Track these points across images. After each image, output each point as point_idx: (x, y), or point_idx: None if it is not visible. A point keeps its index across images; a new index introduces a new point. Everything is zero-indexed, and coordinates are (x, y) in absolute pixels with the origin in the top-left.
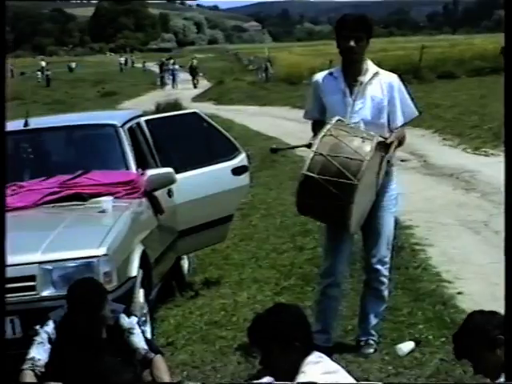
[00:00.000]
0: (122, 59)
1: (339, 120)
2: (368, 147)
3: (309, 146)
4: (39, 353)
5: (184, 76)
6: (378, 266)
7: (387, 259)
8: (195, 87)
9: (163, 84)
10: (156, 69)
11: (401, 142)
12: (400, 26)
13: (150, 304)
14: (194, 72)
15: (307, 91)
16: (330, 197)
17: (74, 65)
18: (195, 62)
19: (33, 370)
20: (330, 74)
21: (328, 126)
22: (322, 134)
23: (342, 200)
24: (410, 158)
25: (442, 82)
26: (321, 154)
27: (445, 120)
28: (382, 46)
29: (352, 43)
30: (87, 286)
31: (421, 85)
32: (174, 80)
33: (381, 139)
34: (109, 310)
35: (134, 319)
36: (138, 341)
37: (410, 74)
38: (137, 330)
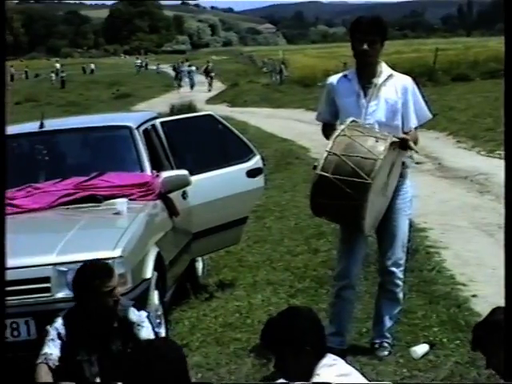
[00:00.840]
0: (139, 61)
1: (353, 121)
2: (382, 147)
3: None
4: (50, 348)
5: (198, 78)
6: (393, 269)
7: (402, 261)
8: (209, 90)
9: (180, 86)
10: (170, 71)
11: (415, 144)
12: (414, 29)
13: (165, 306)
14: (208, 75)
15: (321, 93)
16: (344, 196)
17: (92, 66)
18: (211, 64)
19: (47, 364)
20: (345, 76)
21: (342, 127)
22: (336, 133)
23: (356, 199)
24: (425, 160)
25: (457, 84)
26: (334, 154)
27: (459, 122)
28: (397, 49)
29: (366, 46)
30: (96, 266)
31: (435, 87)
32: (191, 82)
33: (395, 139)
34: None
35: (144, 313)
36: (148, 334)
37: (424, 76)
38: (146, 324)
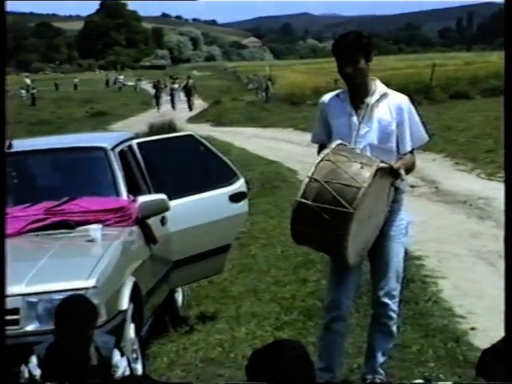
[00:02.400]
0: (121, 77)
1: (341, 144)
2: (367, 173)
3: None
4: None
5: (179, 95)
6: (386, 300)
7: (396, 292)
8: (191, 109)
9: (158, 105)
10: (149, 87)
11: (410, 169)
12: (410, 43)
13: (142, 340)
14: (189, 92)
15: (314, 112)
16: (325, 225)
17: (122, 79)
18: (191, 81)
19: None
20: (337, 95)
21: (326, 151)
22: (320, 158)
23: (337, 229)
24: (421, 183)
25: (455, 102)
26: (316, 180)
27: (458, 143)
28: (391, 64)
29: (349, 69)
30: (76, 301)
31: (432, 105)
32: (172, 101)
33: (383, 165)
34: (99, 341)
35: (125, 361)
36: (123, 372)
37: (420, 93)
38: (126, 371)
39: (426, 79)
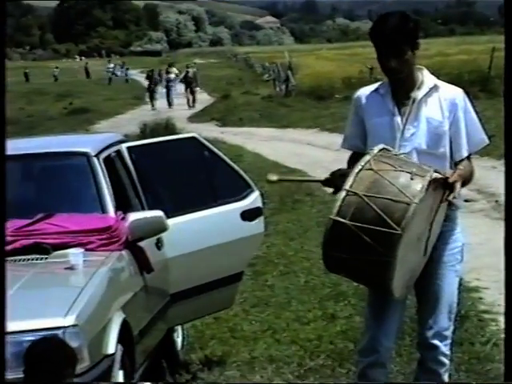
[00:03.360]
0: (111, 65)
1: (384, 149)
2: (418, 186)
3: (325, 182)
4: None
5: (178, 88)
6: (436, 342)
7: (448, 333)
8: (190, 106)
9: (153, 100)
10: (141, 78)
11: (467, 180)
12: (463, 22)
13: None
14: (190, 85)
15: (345, 109)
16: (366, 250)
17: (56, 72)
18: (191, 70)
19: None
20: (376, 90)
21: (367, 158)
22: (359, 167)
23: (382, 255)
24: (477, 197)
25: None
26: (355, 194)
27: None
28: (440, 49)
29: (393, 63)
30: (50, 344)
31: (491, 100)
32: (168, 95)
33: (437, 175)
34: None
35: None
36: None
37: (476, 85)
38: None
39: (483, 67)
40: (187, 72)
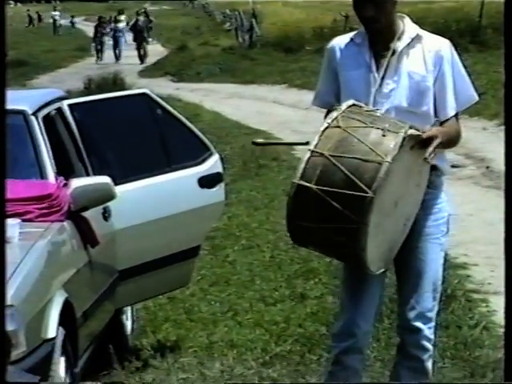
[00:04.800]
0: (57, 13)
1: (354, 105)
2: (391, 143)
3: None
4: None
5: (128, 38)
6: (419, 324)
7: (432, 314)
8: (142, 61)
9: (99, 52)
10: (85, 26)
11: (453, 141)
12: None
13: (76, 379)
14: (140, 35)
15: (316, 63)
16: (335, 217)
17: (57, 16)
18: (142, 18)
19: None
20: (351, 39)
21: (334, 114)
22: (325, 125)
23: (352, 222)
24: (466, 162)
25: None
26: (321, 155)
27: None
28: None
29: (370, 11)
30: None
31: (482, 52)
32: (116, 47)
33: (413, 132)
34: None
35: None
36: None
37: (465, 36)
38: None
39: (473, 16)
40: (137, 20)
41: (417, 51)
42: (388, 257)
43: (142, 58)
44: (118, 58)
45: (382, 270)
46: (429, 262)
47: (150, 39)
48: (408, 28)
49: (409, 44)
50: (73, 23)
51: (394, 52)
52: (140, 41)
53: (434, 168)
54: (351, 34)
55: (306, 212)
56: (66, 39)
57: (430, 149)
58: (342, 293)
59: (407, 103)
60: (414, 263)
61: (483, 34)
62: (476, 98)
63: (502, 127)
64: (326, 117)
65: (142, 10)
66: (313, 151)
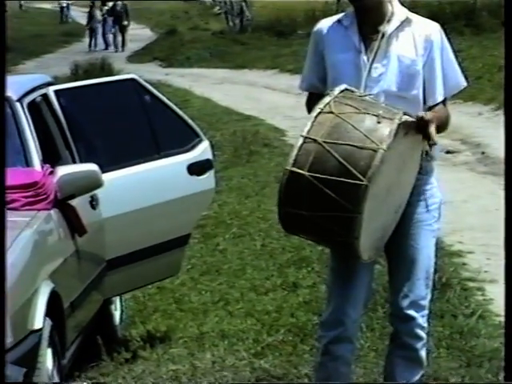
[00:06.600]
0: (64, 2)
1: (346, 90)
2: (386, 130)
3: None
4: None
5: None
6: (412, 312)
7: (425, 302)
8: (120, 48)
9: (93, 39)
10: (72, 11)
11: (442, 127)
12: None
13: (63, 371)
14: (119, 20)
15: (308, 47)
16: (328, 205)
17: (65, 2)
18: (120, 3)
19: None
20: (339, 21)
21: (327, 99)
22: (318, 110)
23: (346, 210)
24: (461, 147)
25: None
26: (314, 141)
27: None
28: None
29: None
30: None
31: (477, 36)
32: (104, 35)
33: (408, 118)
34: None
35: None
36: None
37: (460, 19)
38: None
39: None
40: (114, 5)
41: (406, 35)
42: (379, 245)
43: (118, 45)
44: (107, 44)
45: (372, 259)
46: (421, 249)
47: (127, 23)
48: (397, 11)
49: (398, 27)
50: (62, 8)
51: (383, 35)
52: (119, 27)
53: (424, 153)
54: (339, 16)
55: (299, 199)
56: (52, 23)
57: (432, 130)
58: (331, 281)
59: (396, 88)
60: (406, 250)
61: (478, 17)
62: (464, 83)
63: (498, 112)
64: (308, 103)
65: None
66: (306, 137)
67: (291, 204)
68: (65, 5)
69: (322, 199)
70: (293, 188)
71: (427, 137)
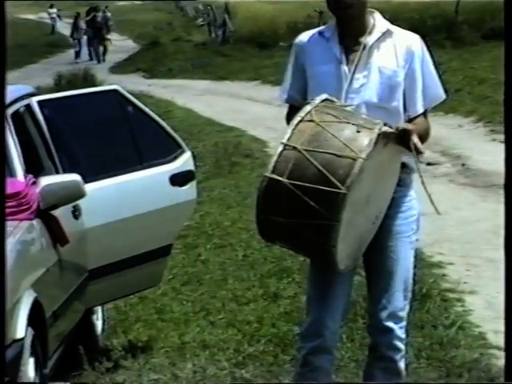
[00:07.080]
0: (53, 10)
1: (327, 100)
2: (366, 139)
3: None
4: None
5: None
6: (391, 324)
7: (403, 313)
8: (99, 61)
9: (78, 49)
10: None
11: (422, 138)
12: None
13: (45, 381)
14: (99, 32)
15: (286, 59)
16: (306, 213)
17: (54, 13)
18: (101, 14)
19: None
20: (320, 33)
21: (308, 108)
22: (299, 118)
23: (324, 218)
24: (441, 159)
25: (489, 44)
26: (294, 148)
27: (494, 102)
28: None
29: None
30: None
31: (458, 49)
32: (90, 46)
33: (388, 129)
34: None
35: None
36: None
37: (441, 32)
38: None
39: (448, 11)
40: (95, 16)
41: (388, 46)
42: (356, 255)
43: (99, 58)
44: (91, 56)
45: (350, 269)
46: (400, 261)
47: (109, 36)
48: (378, 23)
49: (379, 38)
50: (56, 18)
51: (364, 47)
52: (99, 39)
53: (403, 165)
54: (320, 28)
55: (277, 206)
56: (35, 34)
57: (415, 140)
58: (309, 292)
59: (377, 99)
60: (384, 262)
61: (459, 30)
62: (443, 96)
63: (478, 124)
64: (288, 116)
65: (103, 7)
66: (285, 144)
67: (269, 210)
68: (54, 16)
69: (301, 206)
70: (271, 194)
71: (411, 148)
